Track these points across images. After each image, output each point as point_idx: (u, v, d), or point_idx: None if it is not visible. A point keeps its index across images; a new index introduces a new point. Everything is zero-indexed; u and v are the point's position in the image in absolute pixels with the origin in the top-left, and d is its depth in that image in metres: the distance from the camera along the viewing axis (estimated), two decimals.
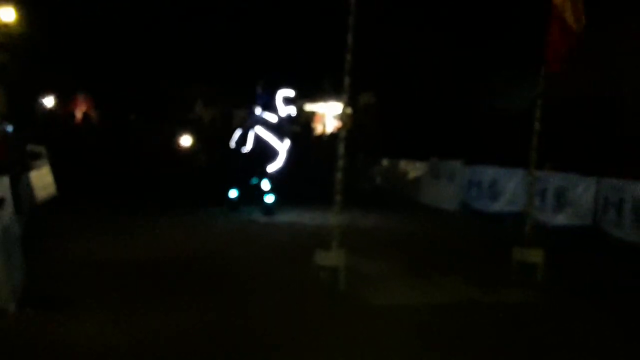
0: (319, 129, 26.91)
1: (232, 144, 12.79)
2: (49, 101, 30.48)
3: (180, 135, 21.17)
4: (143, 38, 27.78)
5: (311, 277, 7.22)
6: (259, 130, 12.39)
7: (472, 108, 18.86)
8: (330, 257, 7.20)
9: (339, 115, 24.58)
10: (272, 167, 12.34)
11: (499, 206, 13.16)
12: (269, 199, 12.31)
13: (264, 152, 12.32)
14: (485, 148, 14.98)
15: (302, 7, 22.68)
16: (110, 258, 8.24)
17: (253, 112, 12.54)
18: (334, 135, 20.93)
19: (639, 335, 6.10)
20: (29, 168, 8.53)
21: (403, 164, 17.22)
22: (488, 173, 13.77)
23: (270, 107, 12.38)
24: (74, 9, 25.73)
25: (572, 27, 7.60)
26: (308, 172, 14.17)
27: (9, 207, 6.23)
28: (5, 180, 6.37)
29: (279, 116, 12.39)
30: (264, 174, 12.30)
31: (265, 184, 12.33)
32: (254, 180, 12.48)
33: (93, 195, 12.93)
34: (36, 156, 9.12)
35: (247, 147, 12.46)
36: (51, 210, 8.85)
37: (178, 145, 21.01)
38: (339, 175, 7.24)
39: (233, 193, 12.71)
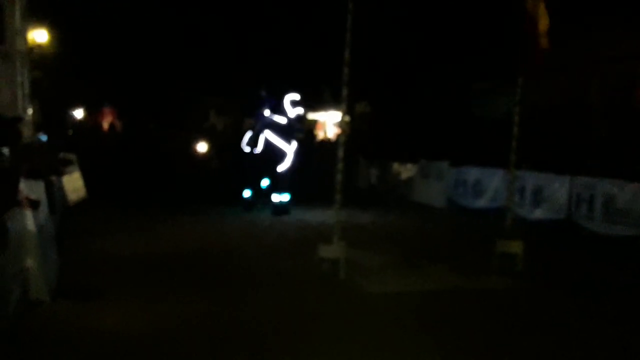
0: (320, 135, 26.89)
1: (244, 145, 12.43)
2: (78, 113, 30.61)
3: (197, 142, 21.14)
4: (161, 55, 27.86)
5: (314, 267, 7.24)
6: (268, 133, 12.09)
7: (457, 115, 18.85)
8: (332, 250, 7.22)
9: (338, 122, 24.62)
10: (280, 168, 12.12)
11: (482, 203, 13.14)
12: (284, 197, 11.97)
13: (273, 153, 12.03)
14: (470, 150, 14.97)
15: (304, 26, 22.72)
16: (133, 253, 8.27)
17: (262, 115, 12.15)
18: (333, 141, 20.92)
19: (606, 314, 6.14)
20: (61, 173, 8.52)
21: (396, 166, 17.19)
22: (472, 173, 13.74)
23: (278, 110, 12.02)
24: (99, 30, 25.81)
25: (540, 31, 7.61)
26: (311, 174, 14.14)
27: (44, 208, 6.24)
28: (41, 185, 6.39)
29: (288, 118, 12.03)
30: (275, 174, 11.98)
31: (282, 182, 11.96)
32: (265, 181, 12.29)
33: (119, 197, 12.94)
34: (68, 163, 9.09)
35: (258, 149, 12.17)
36: (82, 211, 8.86)
37: (194, 151, 20.99)
38: (338, 177, 7.25)
39: (247, 193, 12.56)
